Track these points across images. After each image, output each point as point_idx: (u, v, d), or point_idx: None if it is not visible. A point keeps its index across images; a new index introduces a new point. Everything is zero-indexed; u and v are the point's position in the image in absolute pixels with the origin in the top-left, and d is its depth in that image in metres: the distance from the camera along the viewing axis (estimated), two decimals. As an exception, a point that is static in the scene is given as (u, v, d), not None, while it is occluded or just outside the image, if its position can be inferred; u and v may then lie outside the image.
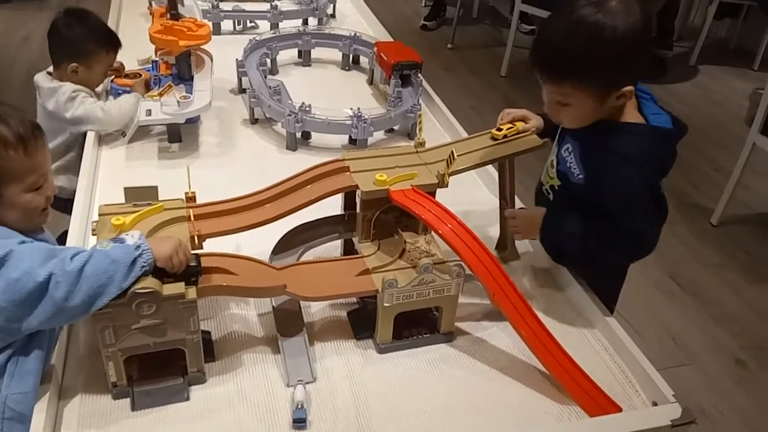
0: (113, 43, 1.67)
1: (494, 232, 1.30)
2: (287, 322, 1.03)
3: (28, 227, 0.96)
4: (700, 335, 2.08)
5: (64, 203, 1.78)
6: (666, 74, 3.82)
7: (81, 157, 1.63)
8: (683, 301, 2.23)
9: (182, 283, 0.87)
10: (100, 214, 0.98)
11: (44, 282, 0.81)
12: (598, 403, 0.97)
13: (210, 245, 1.01)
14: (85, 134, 1.53)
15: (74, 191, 1.70)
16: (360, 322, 1.08)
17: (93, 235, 0.97)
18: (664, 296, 2.24)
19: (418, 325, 1.07)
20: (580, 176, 1.12)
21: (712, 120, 3.45)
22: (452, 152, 1.06)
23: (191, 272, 0.90)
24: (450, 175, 1.09)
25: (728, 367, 1.98)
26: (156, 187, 1.02)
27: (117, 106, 1.54)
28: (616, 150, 1.05)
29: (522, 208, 1.27)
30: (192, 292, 0.87)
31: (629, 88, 1.03)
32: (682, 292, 2.27)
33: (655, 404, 0.99)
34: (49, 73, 1.63)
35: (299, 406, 0.91)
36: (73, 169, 1.67)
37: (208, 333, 1.03)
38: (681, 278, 2.33)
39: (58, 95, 1.54)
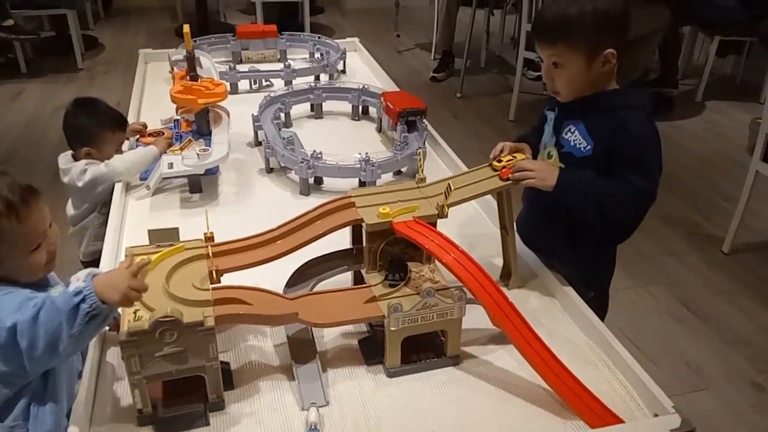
0: (118, 124, 1.82)
1: (498, 261, 1.36)
2: (301, 349, 1.10)
3: (35, 280, 1.01)
4: (715, 360, 2.08)
5: (86, 265, 1.90)
6: (672, 111, 3.90)
7: (102, 222, 1.76)
8: (697, 327, 2.24)
9: (201, 311, 0.94)
10: (126, 255, 1.07)
11: (11, 331, 0.85)
12: (599, 415, 1.00)
13: (228, 281, 1.08)
14: (107, 203, 1.67)
15: (92, 253, 1.82)
16: (370, 348, 1.13)
17: (120, 274, 1.05)
18: (678, 324, 2.26)
19: (426, 350, 1.12)
20: (588, 147, 1.25)
21: (720, 152, 3.50)
22: (449, 184, 1.14)
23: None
24: (449, 206, 1.17)
25: (745, 391, 1.97)
26: (177, 229, 1.11)
27: (121, 158, 1.67)
28: (624, 104, 1.25)
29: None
30: (210, 320, 0.95)
31: (611, 51, 1.22)
32: (695, 319, 2.28)
33: (656, 416, 1.02)
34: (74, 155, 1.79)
35: (312, 427, 0.96)
36: (93, 234, 1.80)
37: (227, 363, 1.10)
38: (694, 306, 2.34)
39: (72, 171, 1.70)
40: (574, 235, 1.34)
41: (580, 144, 1.27)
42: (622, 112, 1.24)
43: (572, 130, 1.29)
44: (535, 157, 1.36)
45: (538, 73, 4.30)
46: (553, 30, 1.23)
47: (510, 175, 1.24)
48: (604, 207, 1.21)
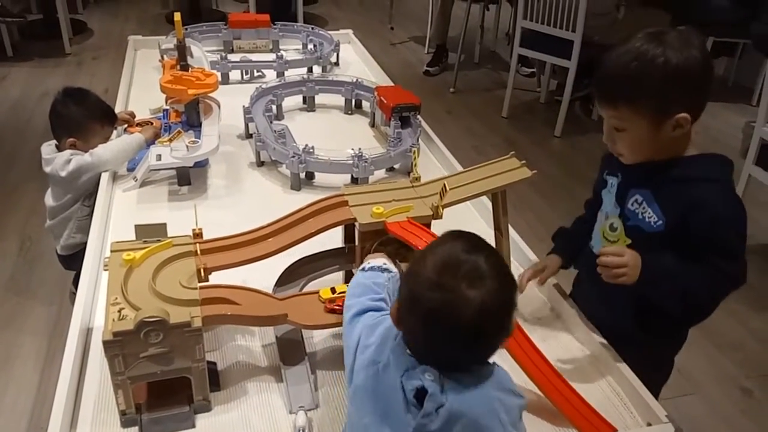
0: (108, 117, 1.78)
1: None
2: (290, 351, 1.07)
3: None
4: (704, 365, 2.08)
5: (64, 259, 1.87)
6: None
7: (87, 214, 1.72)
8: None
9: (188, 311, 0.92)
10: (112, 251, 1.04)
11: None
12: (593, 424, 0.98)
13: (217, 279, 1.06)
14: (91, 194, 1.63)
15: (72, 245, 1.80)
16: (361, 350, 1.11)
17: (105, 270, 1.02)
18: (668, 327, 2.25)
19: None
20: (659, 222, 1.09)
21: (712, 155, 3.49)
22: (444, 185, 1.11)
23: None
24: (444, 207, 1.14)
25: (734, 396, 1.98)
26: (165, 224, 1.08)
27: (105, 147, 1.64)
28: (701, 177, 1.07)
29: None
30: (197, 321, 0.92)
31: (684, 116, 1.02)
32: (685, 323, 2.28)
33: (649, 425, 1.01)
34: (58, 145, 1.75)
35: (301, 431, 0.94)
36: (76, 225, 1.76)
37: (214, 364, 1.07)
38: (684, 309, 2.34)
39: (56, 161, 1.66)
40: (644, 314, 1.17)
41: (649, 218, 1.10)
42: (700, 186, 1.06)
43: (639, 201, 1.12)
44: (572, 258, 1.27)
45: (532, 70, 4.29)
46: (613, 88, 1.06)
47: (604, 275, 1.05)
48: (690, 300, 1.06)
